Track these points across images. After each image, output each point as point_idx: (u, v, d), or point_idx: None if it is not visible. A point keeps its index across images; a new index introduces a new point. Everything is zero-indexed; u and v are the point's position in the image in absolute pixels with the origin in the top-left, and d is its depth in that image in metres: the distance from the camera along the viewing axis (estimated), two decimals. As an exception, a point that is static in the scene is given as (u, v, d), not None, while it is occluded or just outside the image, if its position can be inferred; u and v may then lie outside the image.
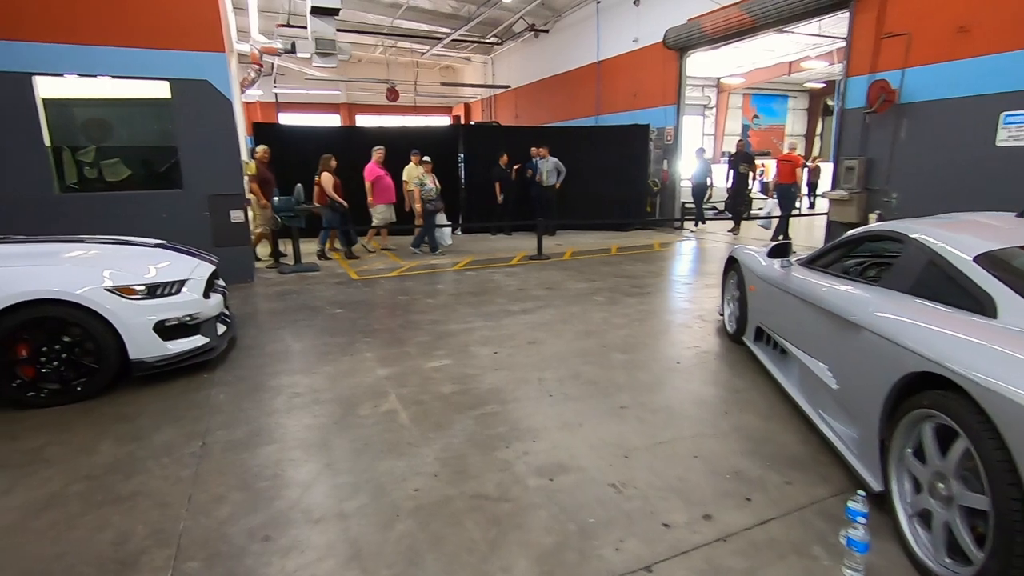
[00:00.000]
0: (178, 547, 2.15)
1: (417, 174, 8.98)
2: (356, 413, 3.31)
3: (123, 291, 3.57)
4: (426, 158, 9.13)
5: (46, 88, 5.96)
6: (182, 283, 3.91)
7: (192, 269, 4.10)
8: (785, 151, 11.40)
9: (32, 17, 5.65)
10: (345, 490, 2.52)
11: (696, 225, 11.71)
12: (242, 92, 11.84)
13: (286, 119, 20.44)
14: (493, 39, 17.86)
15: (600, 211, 11.05)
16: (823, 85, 23.37)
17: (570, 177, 10.80)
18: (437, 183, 9.02)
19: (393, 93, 20.37)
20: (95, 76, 6.04)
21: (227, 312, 4.63)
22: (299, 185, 7.99)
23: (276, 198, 7.77)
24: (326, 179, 8.38)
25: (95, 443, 3.00)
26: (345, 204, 8.51)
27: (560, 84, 15.82)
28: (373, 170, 8.89)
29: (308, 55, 11.25)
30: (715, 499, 2.41)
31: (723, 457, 2.75)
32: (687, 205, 12.16)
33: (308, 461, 2.78)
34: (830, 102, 24.01)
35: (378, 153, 8.98)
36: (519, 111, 18.99)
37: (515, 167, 10.78)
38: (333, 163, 8.48)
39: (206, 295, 4.07)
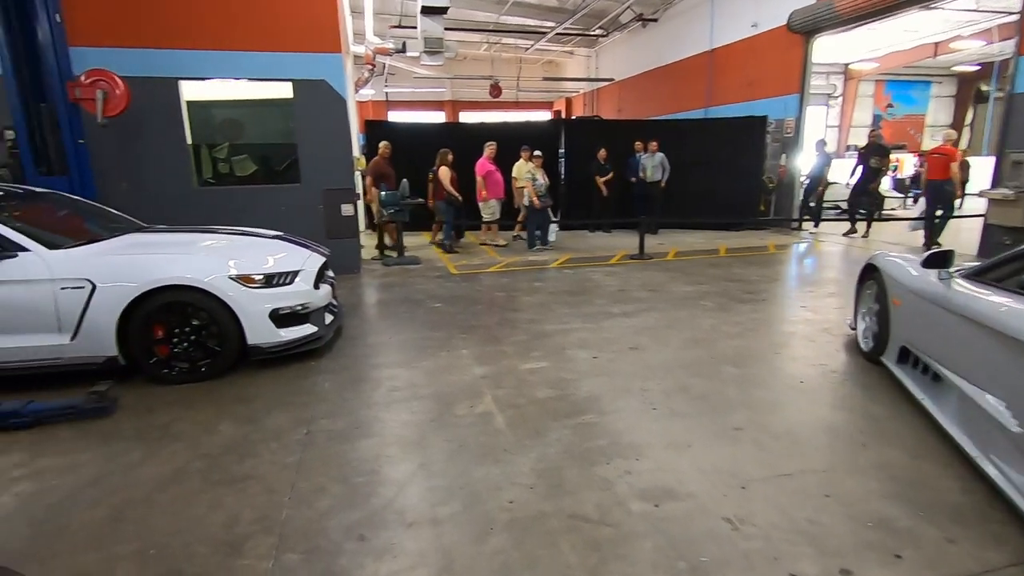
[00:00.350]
0: (280, 536, 2.19)
1: (528, 169, 8.92)
2: (452, 412, 3.27)
3: (244, 280, 3.80)
4: (537, 152, 9.06)
5: (189, 91, 6.57)
6: (295, 274, 4.09)
7: (304, 260, 4.28)
8: (937, 143, 9.96)
9: (177, 27, 6.23)
10: (439, 494, 2.46)
11: (816, 226, 10.65)
12: (356, 92, 12.47)
13: (395, 116, 21.39)
14: (598, 31, 17.44)
15: (707, 209, 10.39)
16: (976, 68, 20.49)
17: (675, 173, 10.25)
18: (546, 178, 8.94)
19: (496, 89, 20.60)
20: (230, 79, 6.57)
21: (335, 302, 4.82)
22: (404, 180, 8.23)
23: (383, 192, 8.06)
24: (443, 173, 8.50)
25: (215, 422, 3.20)
26: (460, 198, 8.64)
27: (667, 75, 15.11)
28: (484, 165, 8.92)
29: (417, 54, 11.59)
30: (854, 550, 2.06)
31: (862, 499, 2.37)
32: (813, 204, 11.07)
33: (404, 459, 2.77)
34: (985, 87, 20.99)
35: (490, 149, 9.00)
36: (622, 104, 18.44)
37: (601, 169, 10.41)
38: (450, 157, 8.59)
39: (316, 286, 4.24)
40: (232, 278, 3.76)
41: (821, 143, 10.75)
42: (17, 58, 5.17)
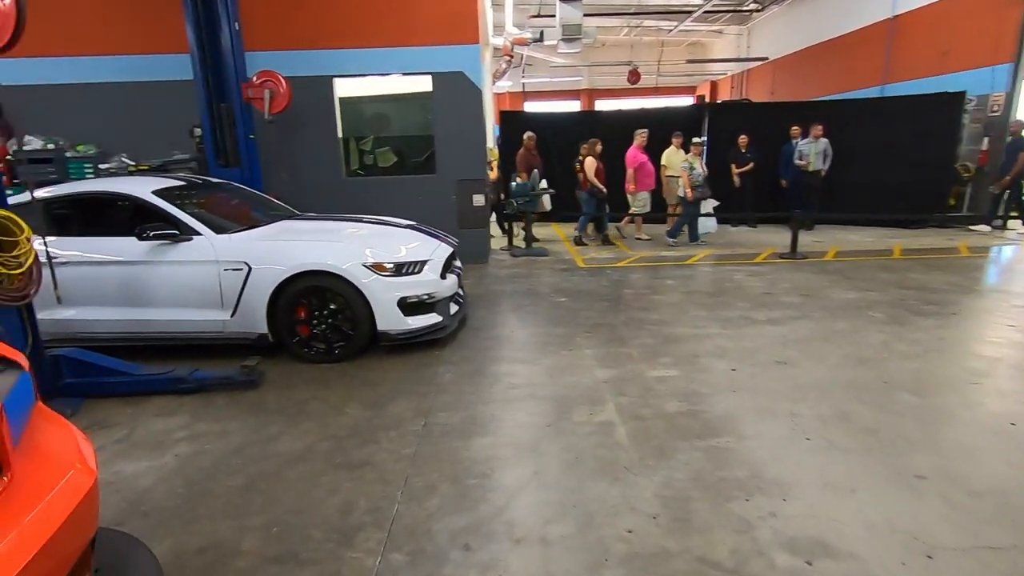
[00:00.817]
0: (389, 532, 2.17)
1: (680, 158, 8.33)
2: (570, 418, 3.08)
3: (376, 268, 3.93)
4: (696, 139, 8.42)
5: (341, 88, 7.04)
6: (423, 263, 4.16)
7: (433, 250, 4.34)
8: None
9: (332, 29, 6.69)
10: (551, 509, 2.29)
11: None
12: (493, 83, 12.67)
13: (531, 107, 21.53)
14: (752, 5, 15.94)
15: (879, 203, 9.00)
16: None
17: (838, 161, 8.99)
18: (705, 167, 8.28)
19: (635, 75, 19.78)
20: (376, 75, 6.94)
21: (461, 292, 4.86)
22: (535, 171, 8.15)
23: (513, 183, 8.05)
24: (589, 164, 8.22)
25: (344, 404, 3.34)
26: (604, 190, 8.29)
27: (833, 50, 13.33)
28: (636, 155, 8.41)
29: (555, 42, 11.43)
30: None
31: (1113, 599, 1.77)
32: None
33: (517, 464, 2.64)
34: None
35: (640, 137, 8.46)
36: (776, 86, 16.68)
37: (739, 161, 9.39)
38: (599, 148, 8.27)
39: (443, 276, 4.28)
40: (366, 266, 3.90)
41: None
42: (205, 64, 5.88)
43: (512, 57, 14.04)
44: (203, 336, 4.02)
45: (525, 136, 8.56)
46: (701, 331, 4.42)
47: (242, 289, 3.89)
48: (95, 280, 3.94)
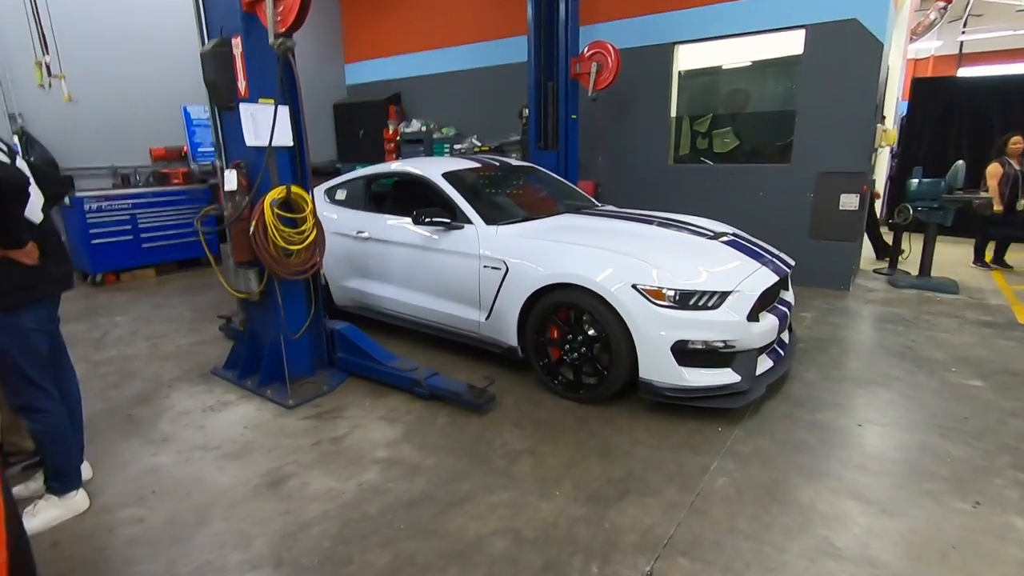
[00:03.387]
0: None
1: None
2: None
3: (651, 293, 2.82)
4: None
5: (683, 57, 5.89)
6: (724, 295, 2.83)
7: (743, 279, 2.95)
8: None
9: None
10: None
11: None
12: (909, 40, 9.31)
13: (967, 72, 15.64)
14: None
15: None
16: None
17: None
18: None
19: None
20: (731, 35, 5.52)
21: (784, 340, 3.31)
22: (959, 162, 5.39)
23: (915, 180, 5.51)
24: (993, 171, 5.42)
25: (558, 478, 2.43)
26: (999, 206, 5.41)
27: None
28: None
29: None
30: None
31: None
32: None
33: None
34: None
35: None
36: None
37: None
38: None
39: (753, 316, 2.87)
40: (638, 289, 2.83)
41: None
42: (539, 41, 5.61)
43: (949, 3, 10.10)
44: (463, 334, 3.69)
45: (1010, 140, 5.94)
46: None
47: (497, 291, 3.35)
48: (382, 257, 4.01)
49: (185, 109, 7.11)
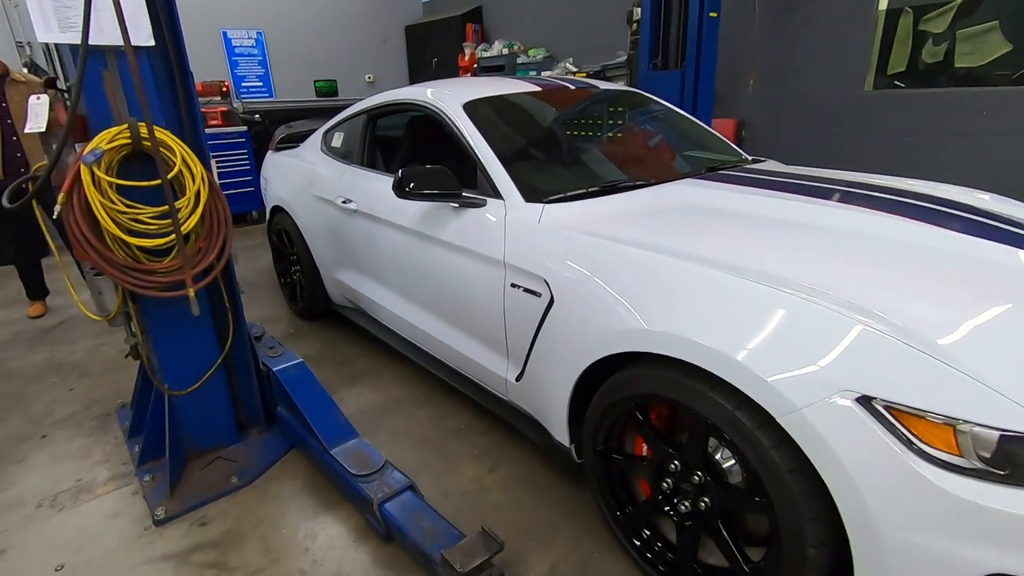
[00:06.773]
0: None
1: None
2: None
3: (898, 418, 1.01)
4: None
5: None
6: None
7: None
8: None
9: None
10: None
11: None
12: None
13: None
14: None
15: None
16: None
17: None
18: None
19: None
20: None
21: None
22: None
23: None
24: None
25: None
26: None
27: None
28: None
29: None
30: None
31: None
32: None
33: None
34: None
35: None
36: None
37: None
38: None
39: None
40: (876, 407, 1.03)
41: None
42: None
43: None
44: (482, 388, 2.11)
45: None
46: None
47: (536, 333, 1.69)
48: (370, 243, 2.49)
49: (225, 34, 5.97)
